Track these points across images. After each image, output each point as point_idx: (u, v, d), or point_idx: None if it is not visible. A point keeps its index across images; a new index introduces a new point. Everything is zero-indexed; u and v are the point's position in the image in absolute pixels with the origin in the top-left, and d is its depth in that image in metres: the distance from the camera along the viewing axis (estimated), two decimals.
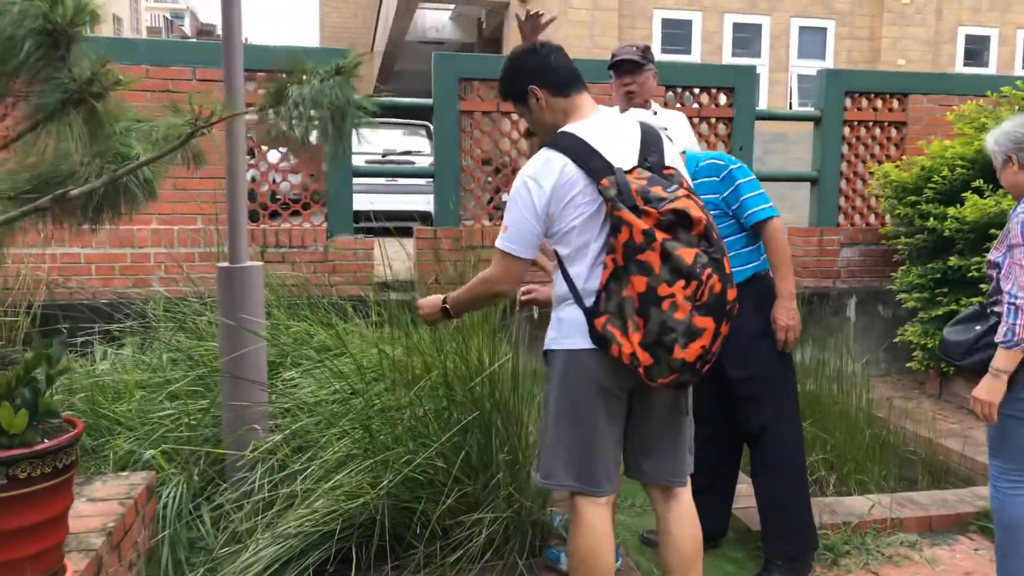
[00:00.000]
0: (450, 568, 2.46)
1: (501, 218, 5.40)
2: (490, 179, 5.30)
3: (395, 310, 3.67)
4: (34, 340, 3.77)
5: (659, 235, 1.90)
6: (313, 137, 1.43)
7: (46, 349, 1.88)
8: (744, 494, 3.31)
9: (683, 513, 2.20)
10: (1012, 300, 2.32)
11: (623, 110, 3.20)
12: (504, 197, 5.39)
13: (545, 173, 2.05)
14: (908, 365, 5.09)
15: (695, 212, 1.92)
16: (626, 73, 3.16)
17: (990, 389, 2.36)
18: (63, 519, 1.96)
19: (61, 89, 1.18)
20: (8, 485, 1.78)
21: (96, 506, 2.43)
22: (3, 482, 1.77)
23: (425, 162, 7.34)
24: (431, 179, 5.28)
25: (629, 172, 2.00)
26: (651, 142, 2.09)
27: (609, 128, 2.11)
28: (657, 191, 1.94)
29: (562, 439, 2.11)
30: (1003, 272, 2.40)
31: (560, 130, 2.12)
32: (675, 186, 1.98)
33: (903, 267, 5.15)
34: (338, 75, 1.38)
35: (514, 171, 5.25)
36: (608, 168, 2.00)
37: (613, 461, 2.14)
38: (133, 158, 1.67)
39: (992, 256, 2.52)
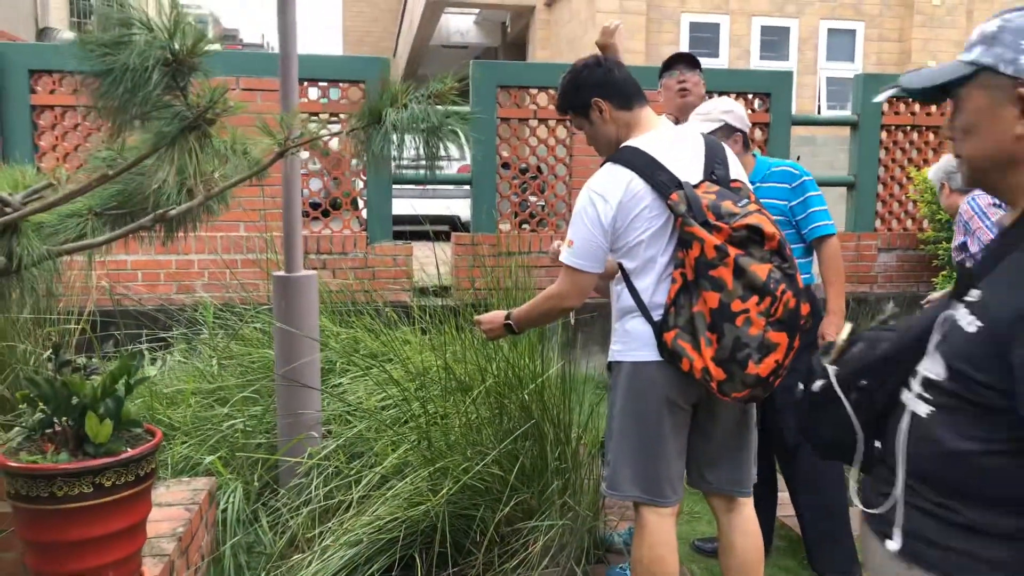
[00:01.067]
0: (510, 574, 2.49)
1: (537, 224, 5.43)
2: (526, 185, 5.33)
3: (439, 316, 3.71)
4: (95, 346, 3.84)
5: (732, 251, 1.91)
6: (405, 156, 1.46)
7: (130, 360, 1.93)
8: (788, 501, 3.31)
9: (745, 523, 2.21)
10: None
11: (676, 112, 3.19)
12: (539, 203, 5.42)
13: (611, 187, 2.06)
14: None
15: (768, 228, 1.93)
16: (684, 68, 3.17)
17: None
18: (142, 526, 2.00)
19: (179, 117, 1.22)
20: (94, 493, 1.82)
21: (164, 511, 2.48)
22: (89, 491, 1.82)
23: (453, 168, 7.37)
24: (463, 185, 5.32)
25: (697, 186, 2.01)
26: (716, 155, 2.11)
27: (673, 141, 2.12)
28: (728, 206, 1.95)
29: (628, 450, 2.13)
30: (969, 244, 3.01)
31: (624, 144, 2.14)
32: (745, 200, 1.99)
33: (943, 272, 5.12)
34: (431, 99, 1.41)
35: (551, 176, 5.27)
36: (675, 182, 2.01)
37: (677, 472, 2.15)
38: (207, 173, 1.71)
39: (956, 243, 3.11)
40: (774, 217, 2.13)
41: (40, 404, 1.87)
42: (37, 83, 4.67)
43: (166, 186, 1.68)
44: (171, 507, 2.52)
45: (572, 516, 2.65)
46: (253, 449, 3.13)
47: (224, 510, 2.83)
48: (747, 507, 2.22)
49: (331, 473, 2.85)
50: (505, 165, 5.26)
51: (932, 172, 3.42)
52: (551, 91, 5.22)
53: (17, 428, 2.12)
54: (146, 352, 4.13)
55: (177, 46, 1.18)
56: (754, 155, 2.84)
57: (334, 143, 5.10)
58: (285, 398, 3.00)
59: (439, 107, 1.43)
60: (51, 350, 1.97)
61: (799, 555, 2.95)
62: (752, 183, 2.54)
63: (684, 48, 10.35)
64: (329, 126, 4.86)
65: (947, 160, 3.34)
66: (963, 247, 3.10)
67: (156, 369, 3.94)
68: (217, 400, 3.45)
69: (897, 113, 5.65)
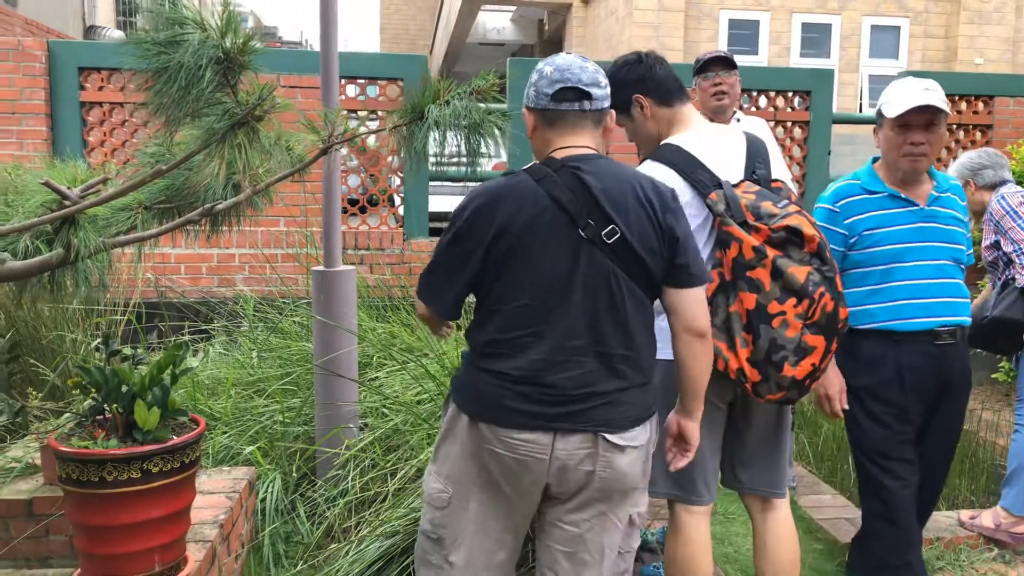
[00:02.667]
0: None
1: None
2: None
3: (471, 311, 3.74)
4: (140, 337, 3.94)
5: (770, 252, 1.90)
6: (449, 149, 1.48)
7: (176, 350, 1.99)
8: (829, 504, 3.28)
9: (780, 524, 2.20)
10: (1019, 251, 2.90)
11: (711, 113, 3.18)
12: None
13: None
14: (993, 376, 4.94)
15: (808, 229, 1.91)
16: (720, 70, 3.16)
17: None
18: (187, 512, 2.06)
19: (229, 114, 1.25)
20: (142, 479, 1.88)
21: (206, 499, 2.54)
22: (137, 476, 1.88)
23: (488, 165, 7.39)
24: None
25: (736, 186, 2.00)
26: (757, 154, 2.09)
27: (714, 140, 2.11)
28: (767, 206, 1.94)
29: (662, 449, 2.12)
30: (1002, 242, 2.98)
31: (664, 142, 2.13)
32: (785, 201, 1.98)
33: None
34: (473, 96, 1.43)
35: None
36: (715, 181, 2.00)
37: (711, 471, 2.15)
38: (253, 169, 1.75)
39: (987, 241, 3.08)
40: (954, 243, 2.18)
41: (91, 391, 1.93)
42: (86, 80, 4.79)
43: (215, 181, 1.73)
44: (213, 495, 2.59)
45: None
46: (291, 440, 3.19)
47: (263, 500, 2.89)
48: (782, 508, 2.20)
49: (367, 465, 2.89)
50: None
51: (955, 168, 3.24)
52: None
53: (68, 415, 2.20)
54: (188, 344, 4.23)
55: (228, 44, 1.21)
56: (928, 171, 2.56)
57: (372, 140, 5.16)
58: (323, 389, 3.05)
59: (480, 104, 1.45)
60: (101, 340, 2.03)
61: (836, 559, 2.92)
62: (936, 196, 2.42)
63: (723, 46, 10.25)
64: (368, 123, 4.91)
65: (970, 157, 3.20)
66: (996, 246, 3.05)
67: (197, 361, 4.04)
68: (256, 392, 3.52)
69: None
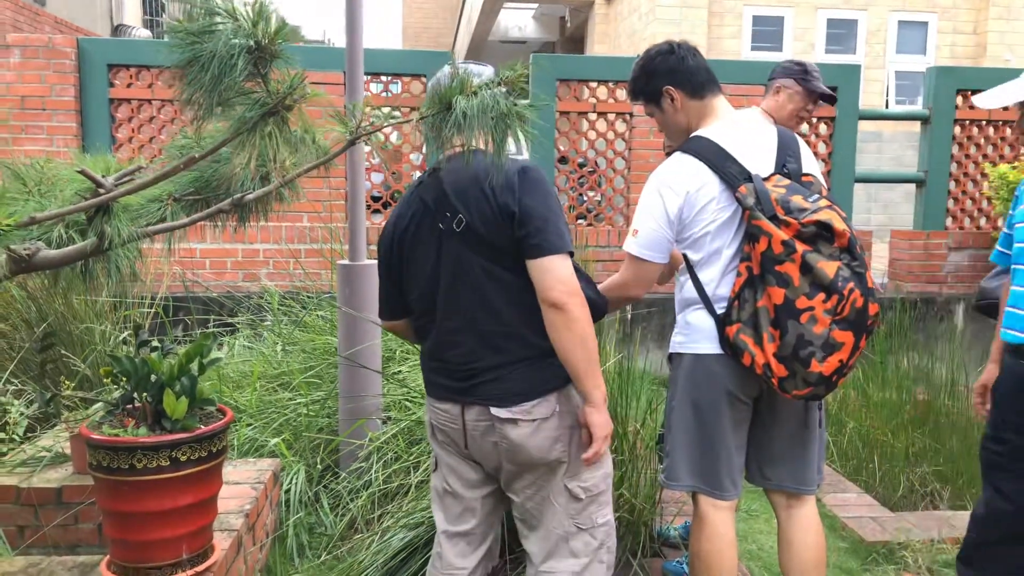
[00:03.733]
0: None
1: (594, 218, 5.42)
2: (584, 179, 5.32)
3: None
4: (167, 330, 3.99)
5: (800, 246, 1.87)
6: (477, 144, 1.48)
7: (204, 340, 2.01)
8: (854, 503, 3.25)
9: (806, 520, 2.18)
10: None
11: (777, 119, 3.00)
12: (596, 197, 5.40)
13: (679, 178, 2.04)
14: None
15: (839, 224, 1.88)
16: (820, 102, 2.95)
17: None
18: (214, 501, 2.08)
19: (260, 103, 1.27)
20: (170, 467, 1.90)
21: (231, 489, 2.57)
22: (166, 464, 1.90)
23: None
24: None
25: (767, 179, 1.98)
26: (788, 148, 2.07)
27: (745, 133, 2.09)
28: (798, 200, 1.92)
29: (686, 442, 2.12)
30: None
31: (694, 134, 2.11)
32: (816, 195, 1.95)
33: None
34: (502, 87, 1.43)
35: (609, 170, 5.25)
36: (745, 175, 1.99)
37: (737, 466, 2.13)
38: (280, 162, 1.77)
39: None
40: None
41: (122, 380, 1.96)
42: (115, 77, 4.86)
43: (244, 172, 1.74)
44: (238, 485, 2.61)
45: (628, 508, 2.65)
46: (315, 432, 3.22)
47: (287, 491, 2.92)
48: (808, 505, 2.18)
49: (391, 458, 2.91)
50: (563, 159, 5.26)
51: None
52: (610, 85, 5.20)
53: (99, 404, 2.23)
54: (215, 335, 4.29)
55: (260, 34, 1.22)
56: None
57: (395, 136, 5.19)
58: (347, 381, 3.07)
59: (508, 96, 1.45)
60: (132, 330, 2.06)
61: (861, 557, 2.89)
62: None
63: (746, 43, 10.17)
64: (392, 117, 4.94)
65: None
66: None
67: (223, 354, 4.08)
68: (281, 384, 3.56)
69: (972, 107, 5.45)
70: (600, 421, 1.75)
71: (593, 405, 1.75)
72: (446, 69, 1.72)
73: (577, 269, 1.90)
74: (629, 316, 4.80)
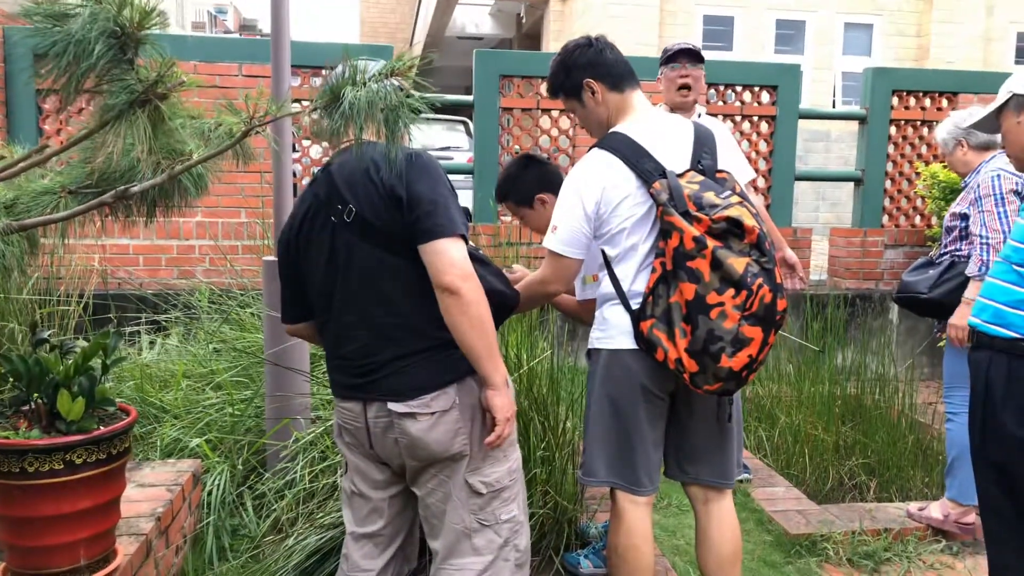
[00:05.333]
0: None
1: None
2: None
3: None
4: (87, 328, 3.88)
5: (710, 242, 1.88)
6: (366, 136, 1.45)
7: (103, 339, 1.94)
8: (782, 497, 3.29)
9: (724, 515, 2.19)
10: (984, 240, 2.78)
11: (673, 106, 3.17)
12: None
13: (596, 174, 2.04)
14: None
15: (748, 220, 1.89)
16: (686, 64, 3.13)
17: (964, 316, 2.69)
18: (116, 504, 2.02)
19: (128, 90, 1.22)
20: (65, 470, 1.84)
21: (145, 492, 2.50)
22: (60, 467, 1.83)
23: (462, 158, 7.36)
24: (468, 175, 5.31)
25: (681, 175, 1.99)
26: (704, 144, 2.07)
27: (661, 128, 2.10)
28: (710, 197, 1.93)
29: (603, 437, 2.12)
30: (972, 219, 2.87)
31: (612, 130, 2.11)
32: (728, 192, 1.96)
33: None
34: (392, 77, 1.40)
35: None
36: (660, 171, 1.99)
37: (654, 461, 2.14)
38: (186, 154, 1.71)
39: (957, 208, 2.99)
40: None
41: (11, 381, 1.89)
42: (42, 67, 4.70)
43: (143, 164, 1.68)
44: (153, 488, 2.54)
45: (553, 505, 2.64)
46: (242, 433, 3.15)
47: (209, 492, 2.85)
48: (725, 499, 2.19)
49: (317, 457, 2.86)
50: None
51: (945, 128, 3.06)
52: None
53: None
54: (144, 335, 4.17)
55: (125, 19, 1.17)
56: None
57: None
58: (273, 382, 3.01)
59: (400, 88, 1.42)
60: (28, 328, 1.99)
61: (785, 550, 2.92)
62: None
63: (697, 42, 10.26)
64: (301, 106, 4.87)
65: (962, 116, 3.02)
66: (963, 216, 2.95)
67: (153, 353, 3.98)
68: (210, 384, 3.48)
69: (907, 108, 5.57)
70: (502, 404, 1.73)
71: (494, 388, 1.73)
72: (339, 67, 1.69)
73: (487, 261, 1.88)
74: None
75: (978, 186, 2.87)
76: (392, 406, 1.75)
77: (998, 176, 2.83)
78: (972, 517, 2.93)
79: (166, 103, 1.32)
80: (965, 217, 2.95)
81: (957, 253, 2.99)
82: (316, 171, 1.87)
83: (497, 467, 1.82)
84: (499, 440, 1.75)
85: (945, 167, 5.14)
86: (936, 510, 3.00)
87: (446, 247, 1.66)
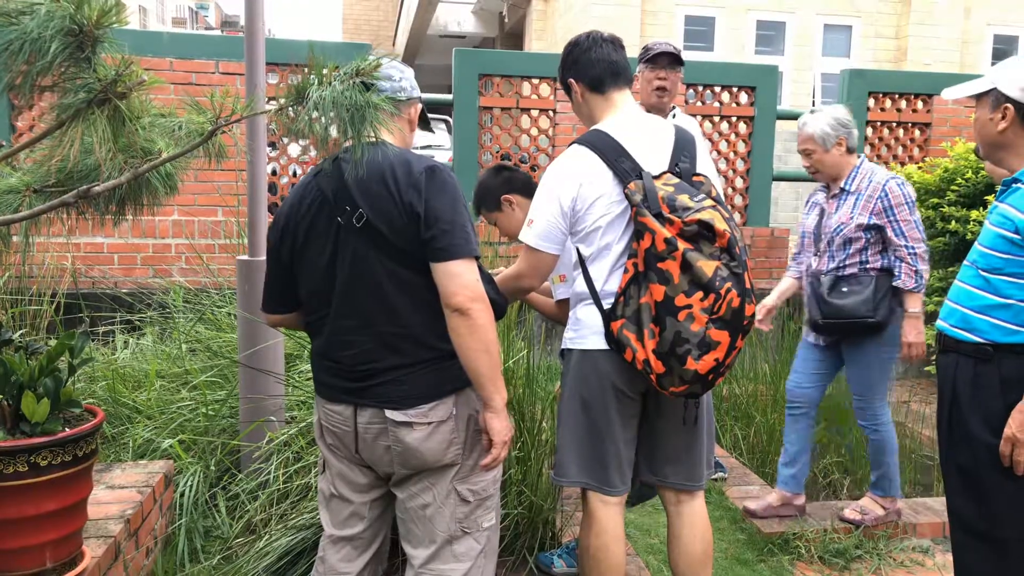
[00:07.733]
0: None
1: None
2: None
3: None
4: (57, 328, 3.83)
5: (681, 245, 1.89)
6: (333, 132, 1.45)
7: (68, 339, 1.92)
8: (756, 496, 3.31)
9: (694, 516, 2.20)
10: (912, 250, 2.76)
11: (649, 106, 3.18)
12: None
13: (573, 170, 2.05)
14: (927, 369, 5.05)
15: (720, 224, 1.90)
16: (665, 67, 3.15)
17: (918, 330, 2.79)
18: (82, 506, 1.99)
19: (86, 89, 1.20)
20: (29, 472, 1.81)
21: (115, 493, 2.48)
22: (24, 469, 1.81)
23: (443, 156, 7.35)
24: None
25: (657, 177, 1.99)
26: (684, 148, 2.08)
27: (643, 129, 2.10)
28: (683, 199, 1.93)
29: (575, 437, 2.12)
30: (888, 230, 2.76)
31: (593, 127, 2.12)
32: (702, 195, 1.97)
33: None
34: (357, 76, 1.39)
35: (532, 167, 5.25)
36: (637, 171, 2.00)
37: (625, 461, 2.14)
38: (156, 153, 1.70)
39: (860, 219, 2.79)
40: None
41: None
42: None
43: (111, 164, 1.66)
44: (124, 489, 2.52)
45: (528, 505, 2.64)
46: (216, 434, 3.13)
47: (182, 494, 2.83)
48: (696, 500, 2.20)
49: (291, 458, 2.84)
50: (505, 158, 5.23)
51: (825, 122, 2.84)
52: (534, 81, 5.20)
53: None
54: (118, 335, 4.13)
55: (83, 16, 1.16)
56: None
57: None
58: (247, 383, 2.99)
59: (367, 93, 1.41)
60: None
61: (758, 548, 2.94)
62: None
63: (679, 42, 10.30)
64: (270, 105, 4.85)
65: (843, 112, 2.88)
66: (870, 228, 2.78)
67: (126, 353, 3.94)
68: (184, 384, 3.45)
69: (883, 109, 5.63)
70: (500, 427, 1.73)
71: (493, 411, 1.72)
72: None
73: (480, 269, 1.88)
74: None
75: (886, 195, 2.76)
76: (390, 414, 1.72)
77: (902, 183, 2.79)
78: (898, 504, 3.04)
79: (130, 101, 1.30)
80: (873, 228, 2.79)
81: (866, 266, 2.82)
82: (322, 161, 1.77)
83: (484, 475, 1.82)
84: (495, 463, 1.76)
85: (920, 168, 5.20)
86: (874, 507, 3.04)
87: (460, 269, 1.65)
